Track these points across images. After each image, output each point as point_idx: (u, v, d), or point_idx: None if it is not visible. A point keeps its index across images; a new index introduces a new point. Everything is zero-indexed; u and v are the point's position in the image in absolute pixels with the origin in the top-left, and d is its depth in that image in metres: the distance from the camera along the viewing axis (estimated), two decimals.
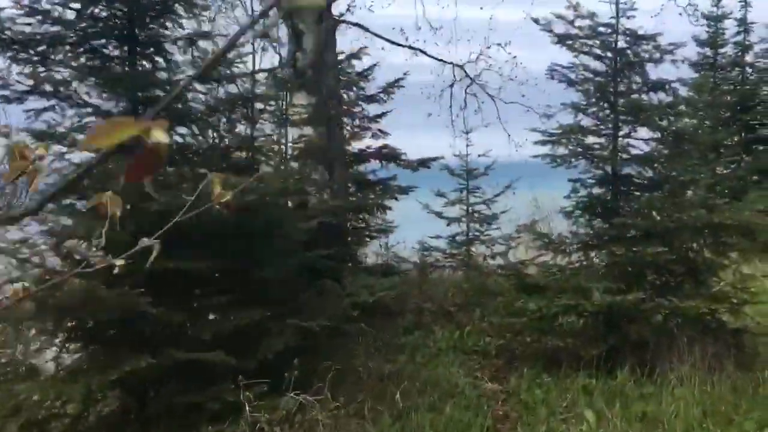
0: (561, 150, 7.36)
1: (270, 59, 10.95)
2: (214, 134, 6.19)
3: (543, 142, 7.45)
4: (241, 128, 7.25)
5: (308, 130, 9.57)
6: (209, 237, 4.93)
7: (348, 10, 11.13)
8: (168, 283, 4.83)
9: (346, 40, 12.93)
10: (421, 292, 9.60)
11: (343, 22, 10.74)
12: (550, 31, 7.72)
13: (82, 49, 5.56)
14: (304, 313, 5.46)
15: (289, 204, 7.47)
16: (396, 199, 10.93)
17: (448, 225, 10.15)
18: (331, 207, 9.12)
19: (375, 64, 11.19)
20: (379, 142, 11.19)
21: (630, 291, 6.56)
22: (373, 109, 11.33)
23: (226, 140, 6.36)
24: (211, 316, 5.13)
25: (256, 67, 9.40)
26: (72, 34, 5.46)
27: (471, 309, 9.19)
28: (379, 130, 11.15)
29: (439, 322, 8.88)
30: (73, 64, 5.49)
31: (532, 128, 7.66)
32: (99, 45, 5.59)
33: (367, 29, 11.03)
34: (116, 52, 5.71)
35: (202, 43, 5.94)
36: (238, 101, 6.48)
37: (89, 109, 5.63)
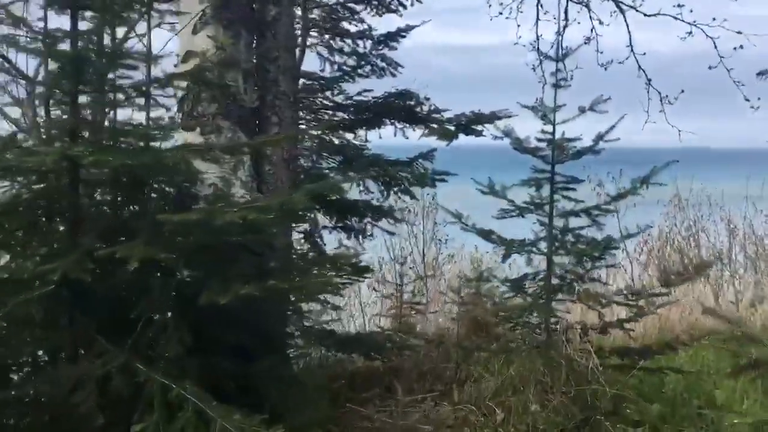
0: None
1: None
2: None
3: None
4: None
5: (201, 44, 4.37)
6: None
7: None
8: None
9: None
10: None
11: None
12: None
13: None
14: None
15: None
16: (411, 195, 5.63)
17: (504, 260, 4.72)
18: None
19: None
20: (389, 85, 5.84)
21: None
22: (382, 24, 5.97)
23: None
24: None
25: None
26: None
27: None
28: (384, 62, 5.73)
29: None
30: None
31: None
32: None
33: None
34: None
35: None
36: None
37: None
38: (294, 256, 5.62)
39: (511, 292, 4.81)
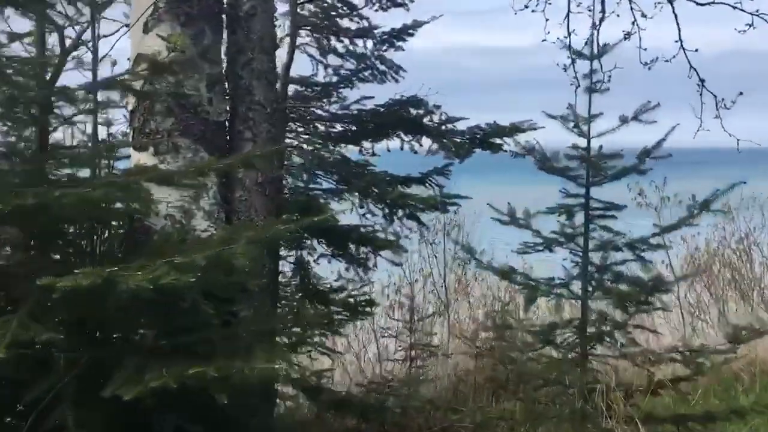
0: None
1: None
2: None
3: None
4: None
5: (155, 45, 3.57)
6: None
7: None
8: None
9: None
10: None
11: None
12: None
13: None
14: None
15: None
16: (417, 221, 4.79)
17: (528, 306, 3.83)
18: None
19: None
20: (393, 91, 4.99)
21: None
22: (388, 19, 5.12)
23: None
24: None
25: None
26: None
27: None
28: (384, 64, 4.86)
29: None
30: None
31: None
32: None
33: None
34: None
35: None
36: None
37: None
38: (284, 292, 4.90)
39: (539, 343, 3.92)
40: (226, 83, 3.91)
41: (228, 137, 3.88)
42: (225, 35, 3.92)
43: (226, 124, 3.87)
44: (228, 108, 3.87)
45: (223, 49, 3.93)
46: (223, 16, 3.88)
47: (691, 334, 7.72)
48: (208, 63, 3.69)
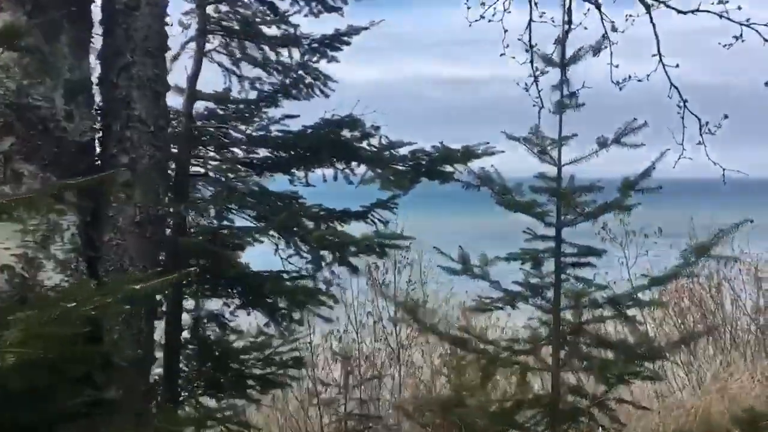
0: None
1: None
2: None
3: None
4: None
5: None
6: None
7: None
8: None
9: None
10: None
11: None
12: None
13: None
14: None
15: None
16: (351, 267, 3.91)
17: (485, 382, 2.94)
18: None
19: None
20: (322, 110, 4.15)
21: None
22: (317, 26, 4.30)
23: None
24: None
25: None
26: None
27: None
28: (309, 75, 4.03)
29: None
30: None
31: None
32: None
33: None
34: None
35: None
36: None
37: None
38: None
39: (500, 425, 3.07)
40: (98, 93, 3.04)
41: (98, 162, 2.99)
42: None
43: (95, 145, 3.00)
44: (96, 125, 2.99)
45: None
46: (93, 7, 3.02)
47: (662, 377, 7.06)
48: (67, 66, 2.81)
